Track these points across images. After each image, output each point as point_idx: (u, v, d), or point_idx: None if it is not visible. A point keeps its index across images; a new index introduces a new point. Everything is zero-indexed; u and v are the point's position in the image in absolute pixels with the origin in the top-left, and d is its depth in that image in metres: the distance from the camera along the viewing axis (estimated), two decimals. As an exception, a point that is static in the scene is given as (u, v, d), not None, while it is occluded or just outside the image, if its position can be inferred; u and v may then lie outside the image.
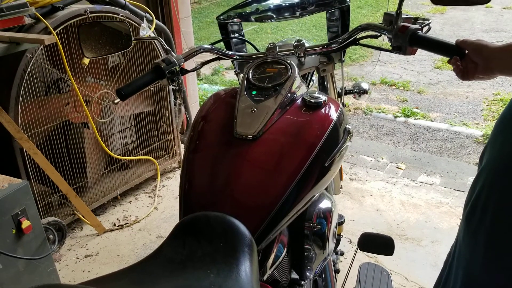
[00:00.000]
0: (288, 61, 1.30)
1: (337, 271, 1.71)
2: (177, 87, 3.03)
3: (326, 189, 1.37)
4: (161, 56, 1.82)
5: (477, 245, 0.77)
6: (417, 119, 3.97)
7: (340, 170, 1.99)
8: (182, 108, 3.18)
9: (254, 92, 1.22)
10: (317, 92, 1.24)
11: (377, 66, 5.54)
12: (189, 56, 1.42)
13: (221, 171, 1.10)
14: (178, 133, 3.20)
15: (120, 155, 2.85)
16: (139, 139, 3.05)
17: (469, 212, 0.80)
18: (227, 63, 5.53)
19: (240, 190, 1.06)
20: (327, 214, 1.25)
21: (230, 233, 0.95)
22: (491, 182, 0.80)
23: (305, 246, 1.25)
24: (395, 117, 4.03)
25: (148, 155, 3.01)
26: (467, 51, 1.07)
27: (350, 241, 2.42)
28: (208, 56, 1.52)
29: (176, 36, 3.25)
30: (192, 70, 1.48)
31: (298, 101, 1.23)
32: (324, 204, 1.26)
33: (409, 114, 4.04)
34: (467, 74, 1.05)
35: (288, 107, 1.20)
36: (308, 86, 1.65)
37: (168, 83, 1.35)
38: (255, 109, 1.17)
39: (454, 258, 0.87)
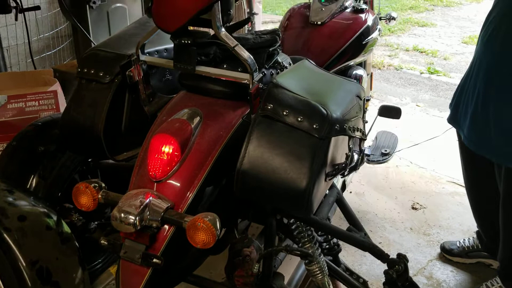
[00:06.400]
0: None
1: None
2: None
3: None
4: None
5: (491, 46, 1.53)
6: (439, 75, 4.77)
7: (371, 79, 2.86)
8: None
9: (322, 0, 2.12)
10: (362, 3, 2.13)
11: (412, 38, 6.30)
12: None
13: (302, 37, 2.02)
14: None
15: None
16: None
17: (483, 30, 1.59)
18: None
19: (314, 45, 1.98)
20: (360, 77, 2.15)
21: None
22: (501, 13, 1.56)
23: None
24: (421, 73, 4.84)
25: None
26: None
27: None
28: None
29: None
30: None
31: (349, 8, 2.12)
32: (359, 72, 2.16)
33: (433, 71, 4.84)
34: None
35: (343, 10, 2.10)
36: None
37: None
38: (323, 8, 2.07)
39: (472, 69, 1.65)
